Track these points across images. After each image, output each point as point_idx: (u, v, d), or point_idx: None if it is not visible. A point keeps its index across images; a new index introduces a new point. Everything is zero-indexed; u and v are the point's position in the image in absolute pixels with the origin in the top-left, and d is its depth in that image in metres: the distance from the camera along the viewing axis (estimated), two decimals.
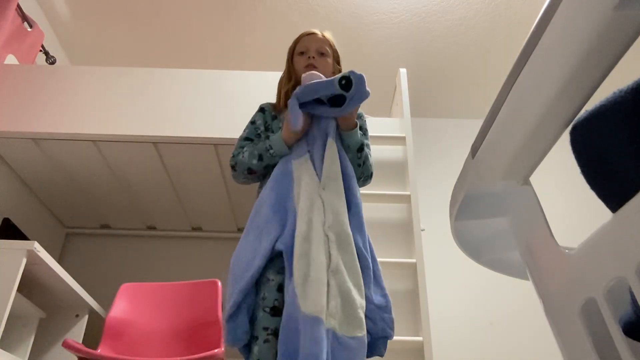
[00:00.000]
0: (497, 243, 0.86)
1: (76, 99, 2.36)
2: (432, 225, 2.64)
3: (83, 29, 3.19)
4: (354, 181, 1.39)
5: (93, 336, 2.20)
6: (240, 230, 2.95)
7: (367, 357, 1.16)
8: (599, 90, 0.59)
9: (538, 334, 2.50)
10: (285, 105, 1.45)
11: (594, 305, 0.55)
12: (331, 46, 1.65)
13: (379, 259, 1.73)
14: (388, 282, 1.70)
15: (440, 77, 3.49)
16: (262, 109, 1.62)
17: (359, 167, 1.46)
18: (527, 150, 0.68)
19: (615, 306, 0.53)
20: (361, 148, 1.46)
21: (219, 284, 2.16)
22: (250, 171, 1.44)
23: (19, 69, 2.50)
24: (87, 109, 2.33)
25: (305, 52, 1.61)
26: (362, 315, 1.14)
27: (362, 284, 1.19)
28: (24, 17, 2.63)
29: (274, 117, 1.58)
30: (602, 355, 0.55)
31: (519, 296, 2.55)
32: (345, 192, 1.32)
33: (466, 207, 0.81)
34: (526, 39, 0.60)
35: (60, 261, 2.78)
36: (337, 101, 1.38)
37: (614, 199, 0.63)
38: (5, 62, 2.48)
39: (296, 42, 1.66)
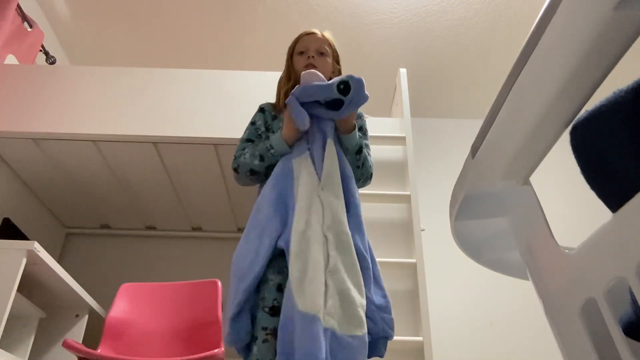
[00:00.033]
0: (497, 243, 0.86)
1: (76, 99, 2.36)
2: (432, 225, 2.64)
3: (83, 29, 3.19)
4: (352, 182, 1.38)
5: (93, 336, 2.20)
6: (240, 230, 2.95)
7: (368, 357, 1.15)
8: (599, 90, 0.59)
9: (538, 334, 2.50)
10: (285, 105, 1.45)
11: (594, 305, 0.55)
12: (331, 46, 1.65)
13: (379, 259, 1.72)
14: (388, 282, 1.69)
15: (440, 77, 3.49)
16: (261, 109, 1.62)
17: (358, 169, 1.46)
18: (527, 150, 0.68)
19: (615, 306, 0.53)
20: (360, 150, 1.46)
21: (219, 284, 2.16)
22: (252, 172, 1.44)
23: (19, 69, 2.51)
24: (87, 109, 2.33)
25: (304, 51, 1.61)
26: (362, 314, 1.14)
27: (362, 284, 1.19)
28: (24, 17, 2.63)
29: (274, 117, 1.58)
30: (602, 355, 0.55)
31: (519, 296, 2.55)
32: (343, 194, 1.32)
33: (466, 207, 0.81)
34: (526, 39, 0.60)
35: (60, 261, 2.78)
36: (335, 103, 1.37)
37: (614, 199, 0.63)
38: (5, 62, 2.48)
39: (296, 41, 1.66)
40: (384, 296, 1.29)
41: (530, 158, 0.69)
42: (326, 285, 1.13)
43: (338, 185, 1.32)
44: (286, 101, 1.41)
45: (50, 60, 2.93)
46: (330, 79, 1.63)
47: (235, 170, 1.47)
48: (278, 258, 1.24)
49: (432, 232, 2.63)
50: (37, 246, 1.76)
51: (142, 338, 2.01)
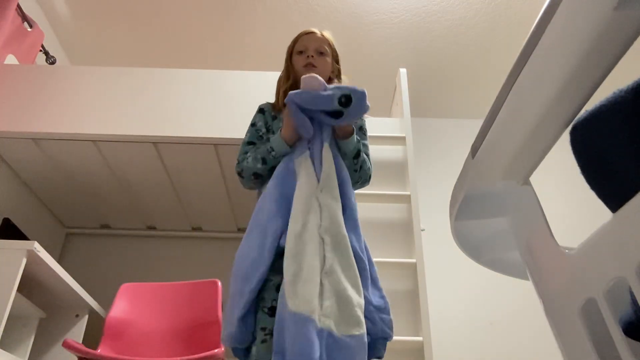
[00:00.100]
0: (497, 243, 0.86)
1: (76, 99, 2.36)
2: (432, 225, 2.64)
3: (83, 29, 3.19)
4: (349, 186, 1.38)
5: (93, 336, 2.20)
6: (240, 230, 2.95)
7: (367, 358, 1.15)
8: (599, 90, 0.59)
9: (538, 334, 2.50)
10: (284, 105, 1.44)
11: (594, 305, 0.55)
12: (330, 45, 1.64)
13: (378, 259, 1.72)
14: (388, 282, 1.69)
15: (440, 77, 3.49)
16: (261, 110, 1.62)
17: (356, 172, 1.47)
18: (527, 150, 0.68)
19: (615, 306, 0.53)
20: (357, 154, 1.46)
21: (219, 284, 2.16)
22: (256, 176, 1.44)
23: (19, 69, 2.51)
24: (87, 109, 2.33)
25: (304, 51, 1.61)
26: (360, 314, 1.14)
27: (360, 284, 1.19)
28: (24, 17, 2.63)
29: (274, 117, 1.57)
30: (602, 355, 0.55)
31: (519, 296, 2.54)
32: (340, 197, 1.32)
33: (466, 207, 0.81)
34: (526, 39, 0.60)
35: (60, 261, 2.78)
36: (335, 112, 1.37)
37: (614, 199, 0.63)
38: (5, 62, 2.48)
39: (295, 41, 1.66)
40: (382, 297, 1.28)
41: (530, 158, 0.69)
42: (322, 286, 1.13)
43: (335, 187, 1.31)
44: (286, 104, 1.40)
45: (50, 60, 2.93)
46: (329, 79, 1.63)
47: (240, 174, 1.48)
48: (278, 258, 1.24)
49: (432, 232, 2.63)
50: (37, 246, 1.76)
51: (142, 338, 2.01)
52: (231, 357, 1.72)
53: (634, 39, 0.52)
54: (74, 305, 2.25)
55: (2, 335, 1.64)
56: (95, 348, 1.77)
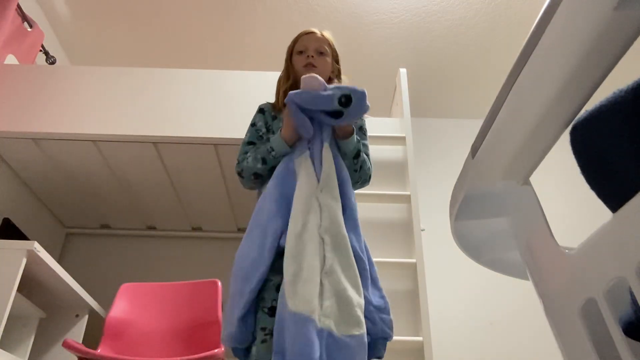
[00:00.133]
0: (497, 243, 0.86)
1: (76, 99, 2.36)
2: (432, 225, 2.64)
3: (83, 29, 3.19)
4: (348, 186, 1.38)
5: (93, 336, 2.20)
6: (240, 230, 2.95)
7: (367, 358, 1.15)
8: (599, 90, 0.59)
9: (538, 334, 2.50)
10: (284, 105, 1.44)
11: (594, 305, 0.55)
12: (330, 45, 1.64)
13: (379, 259, 1.71)
14: (388, 282, 1.69)
15: (440, 77, 3.49)
16: (261, 110, 1.62)
17: (356, 172, 1.47)
18: (527, 150, 0.68)
19: (615, 306, 0.53)
20: (357, 154, 1.46)
21: (219, 284, 2.16)
22: (256, 176, 1.45)
23: (19, 69, 2.51)
24: (87, 109, 2.33)
25: (304, 51, 1.60)
26: (360, 314, 1.13)
27: (360, 284, 1.19)
28: (24, 17, 2.63)
29: (274, 117, 1.57)
30: (602, 355, 0.55)
31: (519, 296, 2.54)
32: (340, 197, 1.32)
33: (466, 207, 0.81)
34: (526, 39, 0.60)
35: (60, 261, 2.78)
36: (335, 112, 1.37)
37: (614, 199, 0.63)
38: (5, 62, 2.48)
39: (295, 41, 1.66)
40: (382, 297, 1.28)
41: (530, 158, 0.69)
42: (322, 286, 1.13)
43: (335, 187, 1.31)
44: (286, 104, 1.39)
45: (50, 60, 2.93)
46: (329, 79, 1.63)
47: (240, 174, 1.48)
48: (278, 258, 1.24)
49: (432, 232, 2.63)
50: (37, 246, 1.76)
51: (142, 338, 2.01)
52: (231, 357, 1.72)
53: (634, 39, 0.52)
54: (74, 305, 2.26)
55: (2, 335, 1.64)
56: (95, 348, 1.77)
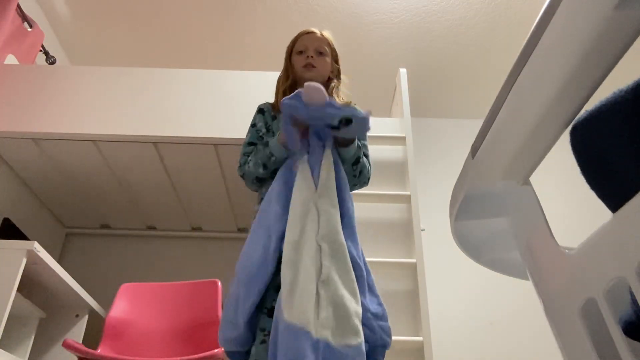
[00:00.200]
0: (497, 243, 0.86)
1: (76, 99, 2.36)
2: (432, 225, 2.64)
3: (83, 29, 3.19)
4: (347, 192, 1.36)
5: (93, 336, 2.20)
6: (240, 230, 2.95)
7: None
8: (599, 90, 0.59)
9: (538, 334, 2.50)
10: None
11: (594, 305, 0.55)
12: (330, 45, 1.64)
13: (378, 259, 1.72)
14: (388, 282, 1.69)
15: (440, 77, 3.49)
16: (260, 110, 1.61)
17: (355, 177, 1.47)
18: (527, 150, 0.68)
19: (615, 306, 0.53)
20: (357, 161, 1.45)
21: (219, 284, 2.16)
22: (258, 179, 1.45)
23: (19, 69, 2.51)
24: (87, 109, 2.33)
25: (304, 51, 1.60)
26: (358, 323, 1.12)
27: (357, 291, 1.17)
28: (24, 17, 2.63)
29: (274, 117, 1.57)
30: (602, 355, 0.55)
31: (519, 296, 2.54)
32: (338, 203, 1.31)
33: (466, 207, 0.80)
34: (526, 39, 0.60)
35: (60, 261, 2.78)
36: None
37: (614, 199, 0.63)
38: (5, 62, 2.48)
39: (295, 40, 1.65)
40: (380, 304, 1.27)
41: (530, 158, 0.69)
42: (319, 295, 1.12)
43: (334, 194, 1.30)
44: (281, 108, 1.35)
45: (50, 60, 2.93)
46: (329, 79, 1.63)
47: (242, 177, 1.49)
48: (280, 260, 1.24)
49: (432, 232, 2.63)
50: (37, 246, 1.76)
51: (142, 338, 2.01)
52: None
53: (634, 39, 0.52)
54: (74, 305, 2.26)
55: (2, 335, 1.64)
56: (95, 348, 1.77)
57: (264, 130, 1.55)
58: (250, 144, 1.53)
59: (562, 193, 2.99)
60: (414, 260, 2.02)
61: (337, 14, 3.06)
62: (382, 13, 3.07)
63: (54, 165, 2.45)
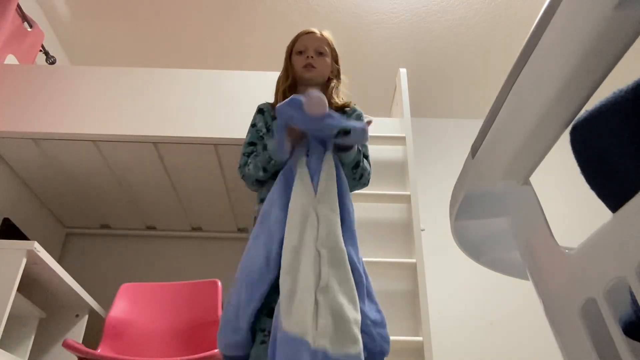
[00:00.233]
0: (497, 243, 0.86)
1: (76, 99, 2.36)
2: (432, 225, 2.64)
3: (83, 29, 3.19)
4: (348, 197, 1.35)
5: (93, 336, 2.20)
6: (240, 230, 2.95)
7: None
8: (599, 90, 0.59)
9: (538, 334, 2.50)
10: None
11: (594, 305, 0.55)
12: (330, 45, 1.63)
13: (378, 259, 1.71)
14: (388, 282, 1.69)
15: (440, 77, 3.49)
16: (260, 110, 1.61)
17: (354, 180, 1.46)
18: (527, 150, 0.68)
19: (615, 306, 0.53)
20: (357, 165, 1.44)
21: (219, 284, 2.16)
22: (258, 181, 1.45)
23: (19, 69, 2.51)
24: (87, 109, 2.33)
25: (303, 51, 1.60)
26: (357, 331, 1.11)
27: (357, 298, 1.16)
28: (24, 17, 2.63)
29: (274, 117, 1.57)
30: (602, 355, 0.55)
31: (519, 296, 2.54)
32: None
33: (466, 207, 0.81)
34: (526, 39, 0.60)
35: (60, 261, 2.78)
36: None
37: (614, 199, 0.63)
38: (5, 62, 2.48)
39: (294, 40, 1.65)
40: (379, 311, 1.26)
41: (530, 158, 0.69)
42: (317, 303, 1.11)
43: (334, 199, 1.28)
44: (276, 115, 1.34)
45: (50, 60, 2.93)
46: (329, 79, 1.63)
47: (242, 179, 1.49)
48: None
49: (432, 232, 2.63)
50: (37, 246, 1.76)
51: (142, 338, 2.01)
52: None
53: (634, 39, 0.52)
54: (74, 305, 2.26)
55: (2, 335, 1.64)
56: (95, 348, 1.77)
57: (264, 130, 1.54)
58: (250, 144, 1.53)
59: (562, 193, 2.99)
60: (414, 260, 2.02)
61: (337, 14, 3.06)
62: (382, 13, 3.07)
63: (54, 165, 2.45)
